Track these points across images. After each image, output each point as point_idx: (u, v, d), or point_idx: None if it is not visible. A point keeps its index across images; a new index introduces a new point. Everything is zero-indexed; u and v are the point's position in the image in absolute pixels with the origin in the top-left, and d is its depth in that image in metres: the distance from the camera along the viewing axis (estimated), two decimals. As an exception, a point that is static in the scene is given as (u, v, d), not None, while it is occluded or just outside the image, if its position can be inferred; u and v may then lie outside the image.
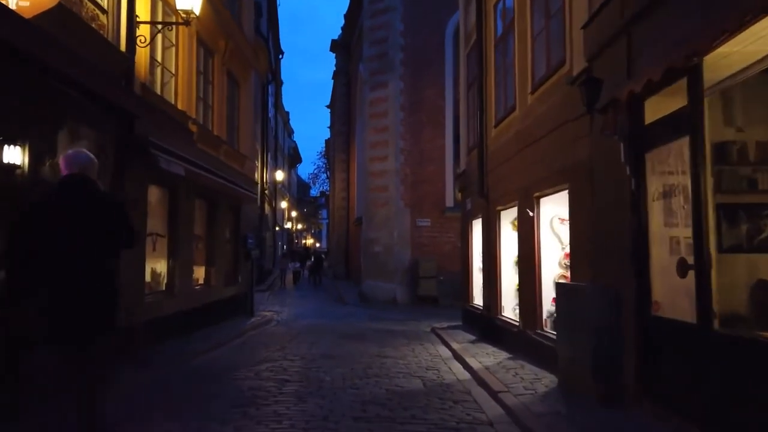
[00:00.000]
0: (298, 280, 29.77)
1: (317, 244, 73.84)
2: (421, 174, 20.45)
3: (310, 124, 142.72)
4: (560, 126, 7.25)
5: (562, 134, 7.19)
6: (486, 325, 10.89)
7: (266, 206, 29.75)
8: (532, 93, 8.45)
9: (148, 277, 9.79)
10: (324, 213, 71.09)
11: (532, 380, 7.10)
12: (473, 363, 8.44)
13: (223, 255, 13.36)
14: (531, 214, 8.40)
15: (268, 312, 17.32)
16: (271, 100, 32.99)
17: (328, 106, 39.64)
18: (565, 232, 8.40)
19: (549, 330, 8.09)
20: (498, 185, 10.37)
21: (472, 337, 11.27)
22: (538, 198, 8.36)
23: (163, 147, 8.72)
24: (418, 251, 20.30)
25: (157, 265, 10.21)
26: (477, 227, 12.65)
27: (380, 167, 20.15)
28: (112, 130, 8.15)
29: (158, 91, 9.92)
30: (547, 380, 7.04)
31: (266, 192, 28.38)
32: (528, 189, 8.61)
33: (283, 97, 47.37)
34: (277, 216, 42.17)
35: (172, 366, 8.35)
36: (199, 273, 12.35)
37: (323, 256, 36.43)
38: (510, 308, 10.27)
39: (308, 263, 30.31)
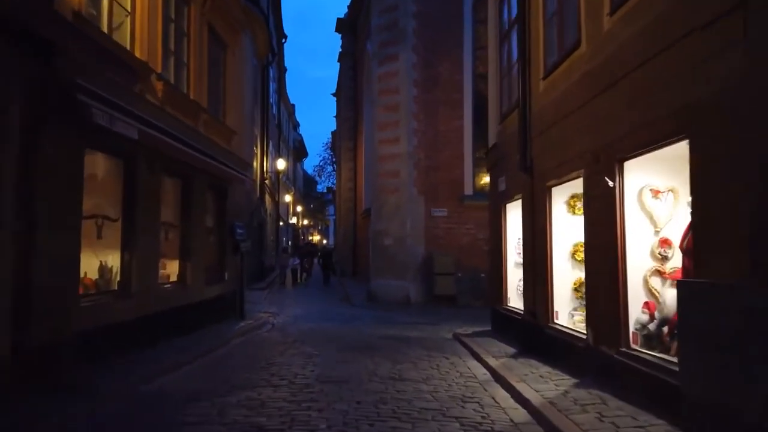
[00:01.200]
0: (298, 280, 25.50)
1: (324, 241, 71.44)
2: (437, 158, 17.93)
3: (317, 121, 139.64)
4: (672, 45, 4.72)
5: (677, 56, 4.66)
6: (530, 334, 8.38)
7: (267, 197, 27.30)
8: (612, 14, 5.91)
9: (90, 273, 7.34)
10: (331, 209, 68.69)
11: (633, 430, 4.59)
12: (528, 393, 5.93)
13: (203, 247, 10.90)
14: (611, 184, 5.87)
15: (264, 313, 14.86)
16: (273, 86, 30.55)
17: (333, 94, 37.15)
18: (661, 208, 5.86)
19: (641, 349, 5.57)
20: (548, 153, 7.85)
21: (512, 350, 8.76)
22: (622, 162, 5.83)
23: (103, 97, 6.26)
24: (433, 244, 17.80)
25: (106, 258, 7.76)
26: (513, 212, 10.14)
27: (391, 150, 17.65)
28: (20, 67, 5.70)
29: (104, 28, 7.44)
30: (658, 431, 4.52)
31: (267, 182, 25.92)
32: (603, 151, 6.08)
33: (288, 92, 44.98)
34: (281, 210, 39.74)
35: (108, 395, 5.89)
36: (171, 268, 9.89)
37: (331, 251, 32.39)
38: (565, 314, 7.74)
39: (306, 260, 27.08)
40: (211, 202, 11.71)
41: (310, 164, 65.92)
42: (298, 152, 53.84)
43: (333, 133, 43.77)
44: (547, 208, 7.92)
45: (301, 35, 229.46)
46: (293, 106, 49.95)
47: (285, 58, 37.52)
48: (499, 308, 10.55)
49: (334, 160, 41.86)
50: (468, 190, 18.01)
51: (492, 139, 11.25)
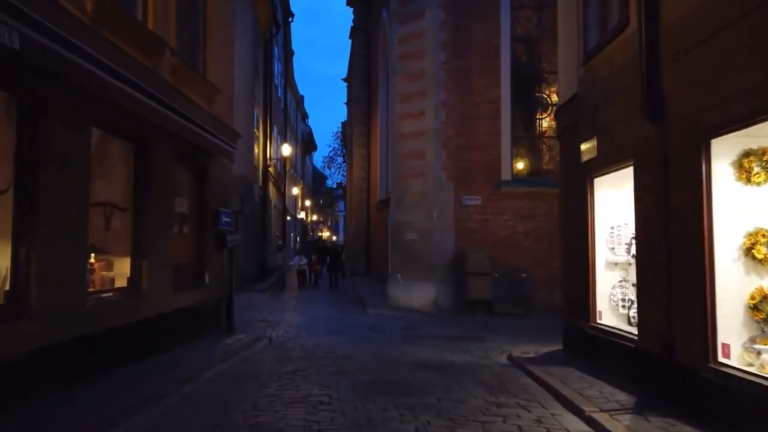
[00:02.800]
0: (305, 283, 20.65)
1: (334, 237, 68.41)
2: (469, 136, 14.80)
3: (326, 118, 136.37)
4: None
5: None
6: (659, 375, 5.25)
7: (272, 187, 24.23)
8: None
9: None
10: (341, 205, 65.67)
11: None
12: None
13: (171, 240, 7.83)
14: None
15: (261, 323, 11.82)
16: (278, 67, 27.48)
17: (344, 80, 33.93)
18: None
19: None
20: (698, 86, 4.71)
21: (622, 394, 5.66)
22: None
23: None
24: (465, 239, 14.67)
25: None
26: (603, 189, 7.02)
27: (414, 126, 14.53)
28: None
29: None
30: None
31: (271, 169, 22.83)
32: None
33: (296, 84, 41.95)
34: (289, 204, 36.70)
35: None
36: (118, 269, 6.82)
37: (341, 249, 27.46)
38: (738, 347, 4.58)
39: (314, 258, 22.31)
40: (184, 180, 8.64)
41: (319, 158, 62.83)
42: (307, 144, 50.81)
43: (343, 123, 40.59)
44: (701, 174, 4.75)
45: (309, 31, 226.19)
46: (302, 97, 46.90)
47: (293, 48, 34.47)
48: (581, 325, 7.38)
49: (344, 151, 38.69)
50: (506, 175, 14.85)
51: (565, 92, 8.07)
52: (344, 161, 37.49)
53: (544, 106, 15.71)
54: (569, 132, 7.83)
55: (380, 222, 21.08)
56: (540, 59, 15.69)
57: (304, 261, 20.45)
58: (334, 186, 66.36)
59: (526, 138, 15.68)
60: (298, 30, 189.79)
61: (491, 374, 7.27)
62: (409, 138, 14.75)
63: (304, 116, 50.99)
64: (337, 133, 41.92)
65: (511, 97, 14.88)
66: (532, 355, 8.39)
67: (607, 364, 6.57)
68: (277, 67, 26.35)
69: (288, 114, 34.88)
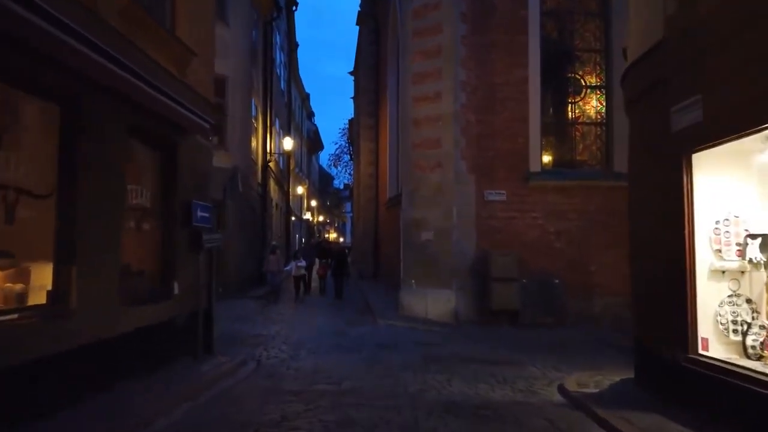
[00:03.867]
0: (306, 291, 17.44)
1: (341, 239, 66.50)
2: (492, 122, 12.81)
3: (332, 119, 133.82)
4: None
5: None
6: None
7: (273, 185, 22.29)
8: None
9: None
10: (348, 206, 63.80)
11: None
12: None
13: (122, 238, 5.85)
14: None
15: (253, 338, 9.90)
16: (281, 57, 25.57)
17: (351, 73, 32.07)
18: None
19: None
20: None
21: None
22: None
23: None
24: (487, 239, 12.66)
25: None
26: (707, 168, 5.00)
27: (430, 111, 12.55)
28: None
29: None
30: None
31: (272, 165, 20.88)
32: None
33: (302, 81, 40.08)
34: (294, 204, 34.78)
35: None
36: (34, 279, 4.85)
37: (347, 251, 24.06)
38: None
39: (322, 262, 18.93)
40: (143, 161, 6.69)
41: (325, 159, 60.97)
42: (313, 143, 48.91)
43: (350, 120, 38.64)
44: None
45: (316, 32, 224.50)
46: (308, 94, 45.01)
47: (298, 41, 32.57)
48: (674, 356, 5.34)
49: (351, 149, 36.72)
50: (534, 166, 12.82)
51: (641, 42, 6.04)
52: (351, 159, 35.54)
53: (577, 89, 13.67)
54: (650, 95, 5.83)
55: (390, 221, 19.10)
56: (572, 36, 13.68)
57: (303, 263, 17.02)
58: (341, 187, 64.59)
59: (557, 125, 13.64)
60: (304, 30, 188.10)
61: (547, 422, 5.26)
62: (423, 124, 12.74)
63: (310, 114, 49.11)
64: (343, 129, 39.93)
65: (540, 76, 12.85)
66: (593, 389, 6.38)
67: (718, 414, 4.56)
68: (279, 57, 24.44)
69: (292, 110, 32.98)
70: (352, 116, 35.08)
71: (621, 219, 13.38)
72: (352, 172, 35.49)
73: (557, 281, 12.50)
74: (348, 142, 37.89)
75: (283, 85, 26.37)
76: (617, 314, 12.68)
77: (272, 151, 20.50)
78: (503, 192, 12.81)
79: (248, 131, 17.31)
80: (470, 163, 12.66)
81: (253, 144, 18.60)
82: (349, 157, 37.74)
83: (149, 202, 6.76)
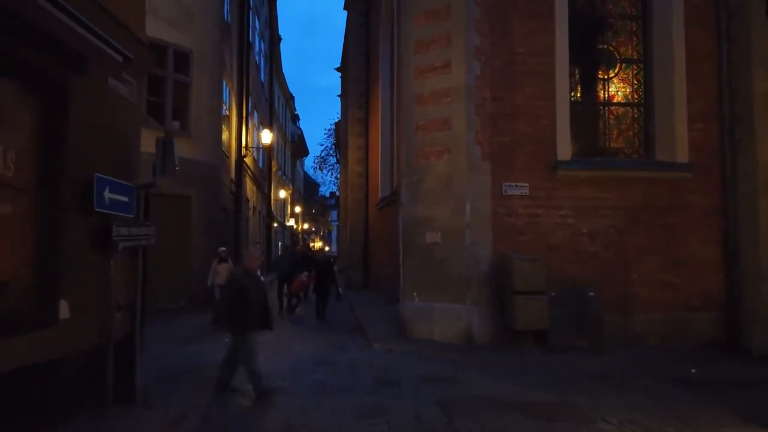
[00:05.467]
0: (282, 308, 14.06)
1: (326, 248, 63.69)
2: (511, 100, 10.38)
3: (320, 129, 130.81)
4: None
5: None
6: None
7: (250, 184, 19.60)
8: None
9: None
10: (334, 215, 61.23)
11: None
12: None
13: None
14: None
15: (208, 371, 7.27)
16: (261, 45, 22.99)
17: (338, 69, 29.54)
18: None
19: None
20: None
21: None
22: None
23: None
24: (506, 242, 10.17)
25: None
26: None
27: (437, 84, 10.06)
28: None
29: None
30: None
31: (248, 160, 18.20)
32: None
33: (286, 81, 37.66)
34: (276, 209, 32.05)
35: None
36: None
37: (333, 261, 19.21)
38: None
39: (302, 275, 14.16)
40: (9, 109, 4.05)
41: (311, 165, 58.32)
42: (298, 148, 46.26)
43: (336, 123, 36.03)
44: None
45: (303, 42, 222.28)
46: (292, 95, 42.44)
47: (283, 59, 30.08)
48: None
49: (337, 152, 34.11)
50: (563, 153, 10.37)
51: None
52: (338, 162, 32.93)
53: (610, 63, 11.28)
54: None
55: (382, 224, 16.54)
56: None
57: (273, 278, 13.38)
58: (327, 195, 62.03)
59: (586, 105, 11.21)
60: (291, 41, 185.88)
61: None
62: (428, 101, 10.22)
63: (295, 117, 46.54)
64: (329, 130, 37.34)
65: (569, 44, 10.44)
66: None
67: None
68: (259, 45, 21.88)
69: (275, 109, 30.37)
70: (339, 118, 32.54)
71: (665, 217, 11.02)
72: (338, 175, 32.86)
73: (592, 294, 10.01)
74: (334, 144, 35.29)
75: (263, 77, 23.79)
76: (663, 335, 10.23)
77: (249, 145, 17.83)
78: (525, 185, 10.33)
79: (218, 118, 14.68)
80: (485, 150, 10.15)
81: (225, 136, 15.94)
82: (335, 159, 35.10)
83: (20, 173, 4.12)
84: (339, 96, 29.93)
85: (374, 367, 7.97)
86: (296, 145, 45.08)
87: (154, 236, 5.57)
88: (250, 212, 20.37)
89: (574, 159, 10.43)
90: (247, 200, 19.37)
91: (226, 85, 15.73)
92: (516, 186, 10.30)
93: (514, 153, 10.36)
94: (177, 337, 10.16)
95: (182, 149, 12.91)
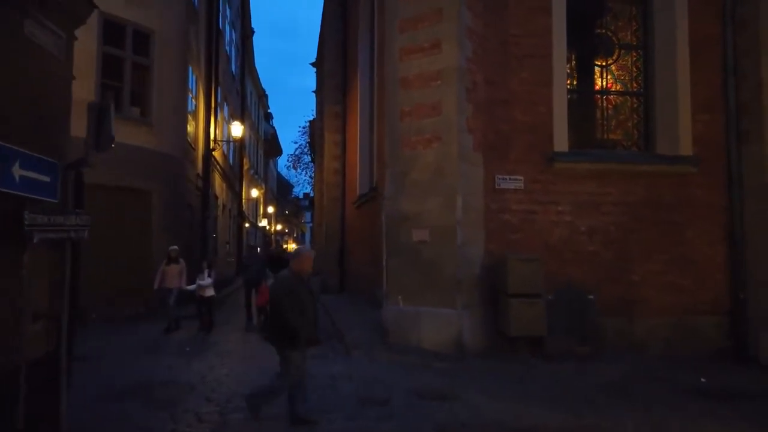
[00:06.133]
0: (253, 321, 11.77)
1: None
2: (506, 85, 9.48)
3: (293, 134, 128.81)
4: None
5: None
6: None
7: (219, 180, 18.35)
8: None
9: None
10: (308, 216, 59.95)
11: None
12: None
13: None
14: None
15: (159, 391, 6.14)
16: (232, 34, 21.75)
17: (312, 64, 28.40)
18: None
19: None
20: None
21: None
22: None
23: None
24: (499, 240, 9.25)
25: None
26: None
27: (425, 66, 9.06)
28: None
29: None
30: None
31: (217, 154, 16.97)
32: None
33: (259, 77, 36.43)
34: (248, 209, 30.72)
35: None
36: None
37: None
38: None
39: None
40: None
41: (284, 164, 56.87)
42: (271, 147, 44.86)
43: (311, 121, 34.82)
44: None
45: (278, 44, 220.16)
46: (265, 92, 41.09)
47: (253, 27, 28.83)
48: None
49: (312, 151, 32.90)
50: (560, 144, 9.50)
51: None
52: (312, 161, 31.77)
53: (608, 49, 10.47)
54: None
55: (360, 223, 15.50)
56: (601, -20, 10.50)
57: (209, 280, 10.62)
58: (301, 196, 60.76)
59: (582, 94, 10.38)
60: (265, 44, 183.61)
61: None
62: (415, 84, 9.22)
63: (268, 116, 45.19)
64: (304, 128, 36.07)
65: (567, 26, 9.59)
66: None
67: None
68: (230, 34, 20.63)
69: (247, 104, 29.07)
70: (314, 117, 31.37)
71: (668, 214, 10.21)
72: (313, 174, 31.69)
73: (592, 296, 9.14)
74: (309, 143, 34.09)
75: (234, 69, 22.53)
76: (666, 339, 9.41)
77: (218, 139, 16.59)
78: (520, 178, 9.43)
79: (184, 107, 13.46)
80: (477, 138, 9.22)
81: (192, 127, 14.71)
82: (310, 158, 33.88)
83: None
84: (314, 92, 28.80)
85: (356, 381, 6.93)
86: (269, 144, 43.71)
87: (87, 227, 4.42)
88: (219, 210, 19.11)
89: (572, 151, 9.57)
90: (216, 197, 18.11)
91: (192, 72, 14.50)
92: (510, 179, 9.39)
93: (508, 143, 9.45)
94: (131, 348, 8.96)
95: (142, 139, 11.71)
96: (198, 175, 15.29)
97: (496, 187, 9.35)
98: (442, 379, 6.97)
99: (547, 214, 9.45)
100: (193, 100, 14.82)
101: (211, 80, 16.08)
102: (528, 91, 9.51)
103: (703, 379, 7.85)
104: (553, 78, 9.51)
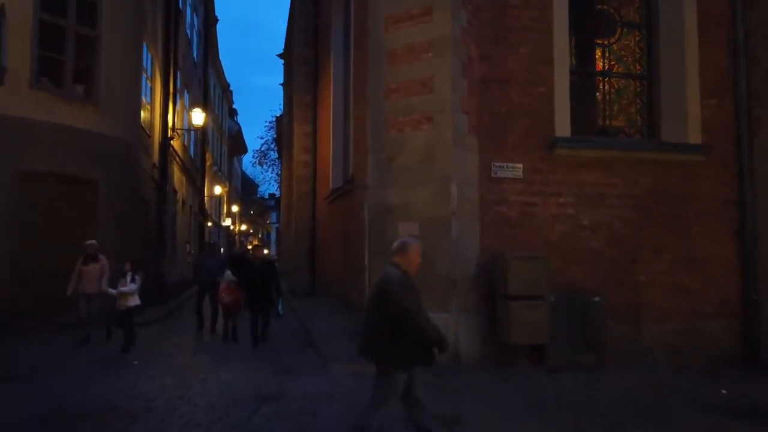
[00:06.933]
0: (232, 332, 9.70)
1: (265, 251, 60.24)
2: (503, 61, 8.42)
3: (260, 130, 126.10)
4: None
5: None
6: None
7: (178, 173, 16.82)
8: None
9: None
10: (274, 216, 58.18)
11: None
12: None
13: None
14: None
15: (98, 420, 4.77)
16: (193, 18, 20.21)
17: (280, 55, 26.98)
18: None
19: None
20: None
21: None
22: None
23: None
24: (496, 236, 8.19)
25: None
26: None
27: (415, 36, 7.87)
28: None
29: None
30: None
31: (176, 144, 15.46)
32: None
33: (223, 70, 34.78)
34: (212, 208, 29.03)
35: None
36: None
37: (274, 265, 10.67)
38: None
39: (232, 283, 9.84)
40: None
41: (248, 163, 54.97)
42: (236, 144, 43.04)
43: (278, 117, 33.29)
44: None
45: (243, 44, 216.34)
46: (229, 86, 39.33)
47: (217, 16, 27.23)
48: None
49: (279, 147, 31.41)
50: (562, 129, 8.52)
51: None
52: (280, 157, 30.29)
53: (609, 28, 9.53)
54: None
55: (333, 220, 14.27)
56: (602, -49, 9.57)
57: (134, 286, 8.41)
58: (267, 196, 58.97)
59: (581, 75, 9.41)
60: (230, 43, 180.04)
61: None
62: (403, 58, 8.07)
63: (233, 112, 43.39)
64: (271, 122, 34.50)
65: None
66: None
67: None
68: (191, 17, 19.08)
69: (210, 96, 27.43)
70: (281, 112, 29.90)
71: (676, 208, 9.31)
72: (280, 171, 30.20)
73: (597, 299, 8.15)
74: (275, 139, 32.57)
75: (196, 56, 20.95)
76: (673, 347, 8.48)
77: (177, 127, 15.09)
78: (518, 165, 8.39)
79: (137, 87, 11.98)
80: (472, 121, 8.13)
81: (147, 113, 13.20)
82: (277, 154, 32.34)
83: None
84: (282, 85, 27.37)
85: (339, 403, 5.72)
86: (234, 141, 41.91)
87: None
88: (179, 206, 17.54)
89: (575, 137, 8.57)
90: (175, 192, 16.56)
91: (148, 51, 13.00)
92: (508, 167, 8.34)
93: (505, 127, 8.40)
94: (60, 362, 7.53)
95: (87, 120, 10.22)
96: (154, 165, 13.77)
97: (493, 175, 8.28)
98: (442, 399, 5.82)
99: (548, 206, 8.44)
100: (149, 82, 13.30)
101: (169, 63, 14.58)
102: (527, 69, 8.48)
103: (724, 391, 7.00)
104: (554, 55, 8.51)
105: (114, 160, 10.79)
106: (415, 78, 7.89)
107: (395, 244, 4.31)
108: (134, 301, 8.41)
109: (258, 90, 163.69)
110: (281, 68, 27.75)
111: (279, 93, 31.56)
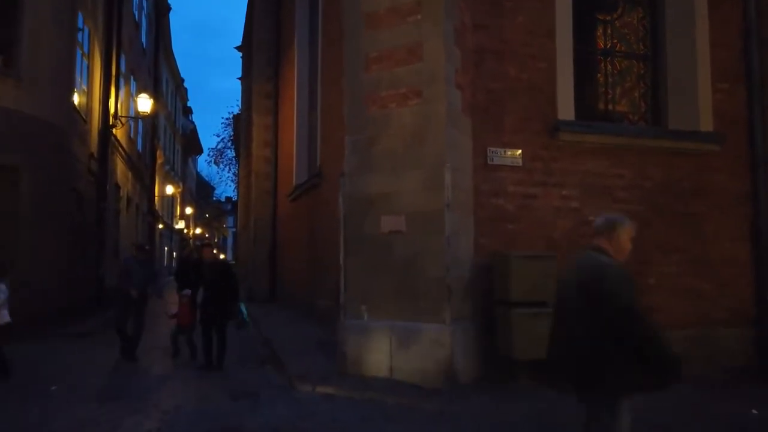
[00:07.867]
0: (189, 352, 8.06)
1: (221, 255, 57.91)
2: (500, 32, 7.29)
3: (216, 129, 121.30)
4: None
5: None
6: None
7: (122, 167, 15.04)
8: None
9: None
10: (231, 220, 55.95)
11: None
12: None
13: None
14: None
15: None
16: (143, 3, 18.46)
17: (239, 48, 25.34)
18: None
19: None
20: None
21: None
22: None
23: None
24: (492, 233, 7.03)
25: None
26: None
27: (400, -3, 6.70)
28: None
29: None
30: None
31: (118, 133, 13.73)
32: None
33: (177, 65, 32.83)
34: (163, 209, 27.02)
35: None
36: None
37: (230, 270, 8.59)
38: None
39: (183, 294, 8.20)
40: None
41: (204, 165, 52.65)
42: (190, 143, 40.83)
43: (235, 116, 31.46)
44: None
45: (202, 46, 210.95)
46: (183, 81, 37.25)
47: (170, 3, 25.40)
48: None
49: (236, 145, 29.66)
50: (565, 112, 7.43)
51: None
52: (237, 156, 28.54)
53: (611, 4, 8.56)
54: None
55: (297, 219, 12.86)
56: None
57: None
58: (223, 199, 56.70)
59: (582, 54, 8.36)
60: (188, 45, 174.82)
61: None
62: (385, 21, 6.81)
63: (188, 110, 41.22)
64: (228, 119, 32.62)
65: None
66: None
67: None
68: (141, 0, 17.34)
69: (162, 89, 25.52)
70: (239, 109, 28.18)
71: (687, 203, 8.37)
72: (237, 171, 28.45)
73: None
74: (232, 137, 30.76)
75: (146, 41, 19.15)
76: (684, 356, 7.52)
77: (121, 115, 13.38)
78: (518, 153, 7.24)
79: (69, 62, 10.30)
80: (466, 98, 6.94)
81: (82, 97, 11.49)
82: (234, 152, 30.52)
83: None
84: (240, 79, 25.72)
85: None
86: (188, 140, 39.74)
87: None
88: (123, 203, 15.72)
89: (578, 121, 7.51)
90: (118, 187, 14.76)
91: (84, 23, 11.31)
92: (506, 153, 7.18)
93: (502, 107, 7.25)
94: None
95: (6, 97, 8.54)
96: (92, 156, 12.03)
97: (489, 162, 7.11)
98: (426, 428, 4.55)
99: (550, 198, 7.32)
100: (85, 59, 11.60)
101: (111, 42, 12.89)
102: (525, 41, 7.36)
103: (754, 411, 6.05)
104: (556, 28, 7.43)
105: (38, 144, 9.11)
106: (401, 45, 6.64)
107: (598, 221, 3.17)
108: (4, 317, 6.36)
109: (216, 94, 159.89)
110: (240, 70, 26.10)
111: (237, 97, 29.60)
